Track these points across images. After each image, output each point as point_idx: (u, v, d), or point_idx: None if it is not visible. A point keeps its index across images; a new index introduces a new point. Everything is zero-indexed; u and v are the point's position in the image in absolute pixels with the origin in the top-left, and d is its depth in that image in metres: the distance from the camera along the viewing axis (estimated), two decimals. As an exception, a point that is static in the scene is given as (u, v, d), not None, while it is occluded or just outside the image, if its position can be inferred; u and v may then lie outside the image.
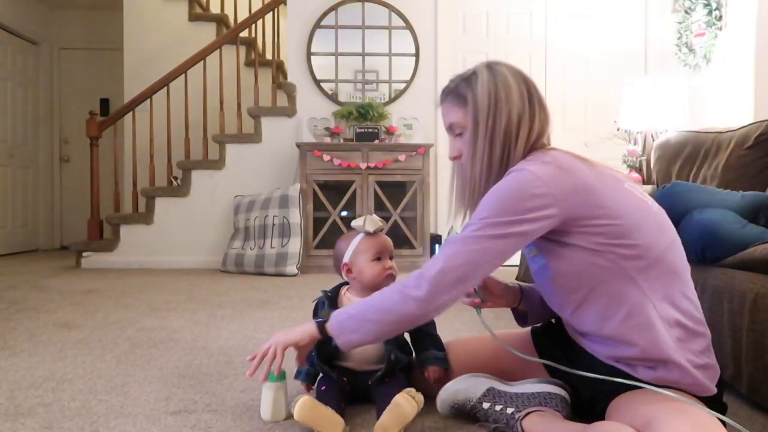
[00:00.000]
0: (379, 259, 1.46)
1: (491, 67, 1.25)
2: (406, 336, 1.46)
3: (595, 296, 1.12)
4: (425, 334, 1.46)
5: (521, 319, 1.44)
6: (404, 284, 1.14)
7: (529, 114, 1.21)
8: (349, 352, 1.42)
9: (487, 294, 1.36)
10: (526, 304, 1.41)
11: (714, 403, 1.11)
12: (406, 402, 1.21)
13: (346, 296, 1.50)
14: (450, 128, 1.28)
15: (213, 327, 2.34)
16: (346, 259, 1.48)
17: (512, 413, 1.21)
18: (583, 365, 1.20)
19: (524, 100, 1.21)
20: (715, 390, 1.10)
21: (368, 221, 1.47)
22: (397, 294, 1.14)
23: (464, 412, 1.30)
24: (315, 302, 1.52)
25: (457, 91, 1.25)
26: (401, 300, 1.13)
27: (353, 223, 1.50)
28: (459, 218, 1.28)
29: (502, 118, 1.20)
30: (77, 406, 1.42)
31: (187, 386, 1.59)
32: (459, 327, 2.31)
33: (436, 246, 4.23)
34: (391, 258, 1.49)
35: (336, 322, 1.20)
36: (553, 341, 1.35)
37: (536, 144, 1.22)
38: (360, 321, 1.17)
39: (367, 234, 1.48)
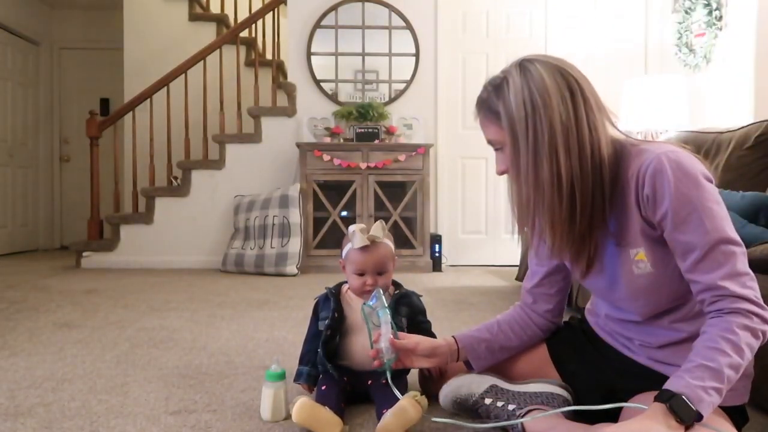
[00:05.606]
0: (362, 274, 1.41)
1: (524, 67, 1.09)
2: None
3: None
4: (424, 332, 1.46)
5: (468, 365, 1.36)
6: (747, 325, 0.98)
7: (575, 119, 1.05)
8: (351, 351, 1.42)
9: (408, 356, 1.29)
10: (468, 354, 1.32)
11: (737, 413, 1.09)
12: (411, 406, 1.22)
13: (348, 294, 1.48)
14: (489, 143, 1.15)
15: (213, 327, 2.34)
16: (342, 256, 1.48)
17: (513, 410, 1.21)
18: (611, 365, 1.22)
19: (567, 103, 1.05)
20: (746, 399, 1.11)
21: (357, 237, 1.39)
22: (752, 339, 0.98)
23: (466, 407, 1.29)
24: (316, 299, 1.52)
25: (488, 105, 1.11)
26: (756, 341, 0.99)
27: (349, 229, 1.44)
28: (519, 235, 1.18)
29: (543, 129, 1.04)
30: (77, 406, 1.42)
31: (187, 386, 1.59)
32: (459, 326, 2.31)
33: (436, 246, 4.23)
34: (381, 273, 1.41)
35: (697, 399, 0.94)
36: (572, 346, 1.33)
37: (597, 154, 1.07)
38: (724, 383, 0.96)
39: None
